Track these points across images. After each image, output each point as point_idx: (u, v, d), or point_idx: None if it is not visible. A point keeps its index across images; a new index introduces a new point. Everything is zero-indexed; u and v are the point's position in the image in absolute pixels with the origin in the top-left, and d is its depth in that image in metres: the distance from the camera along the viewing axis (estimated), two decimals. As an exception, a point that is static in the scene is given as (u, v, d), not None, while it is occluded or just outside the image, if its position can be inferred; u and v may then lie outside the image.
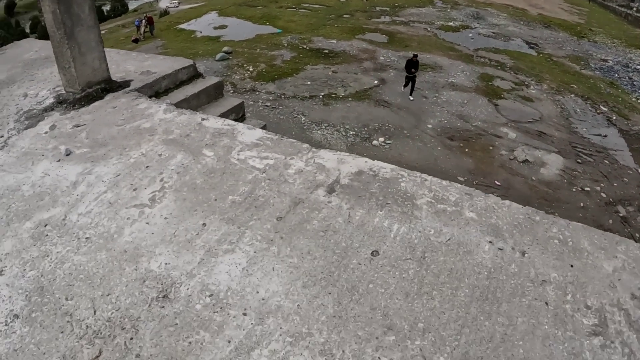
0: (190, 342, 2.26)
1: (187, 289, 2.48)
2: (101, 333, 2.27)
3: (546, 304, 2.39)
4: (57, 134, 4.03)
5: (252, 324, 2.35)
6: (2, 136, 4.05)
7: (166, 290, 2.47)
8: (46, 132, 4.04)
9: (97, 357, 2.18)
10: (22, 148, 3.74)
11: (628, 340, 2.26)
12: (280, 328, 2.34)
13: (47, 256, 2.62)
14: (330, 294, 2.50)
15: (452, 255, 2.71)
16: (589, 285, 2.49)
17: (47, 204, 3.05)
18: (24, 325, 2.28)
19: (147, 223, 2.92)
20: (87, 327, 2.29)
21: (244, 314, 2.39)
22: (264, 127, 4.37)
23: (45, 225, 2.86)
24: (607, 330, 2.28)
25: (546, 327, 2.29)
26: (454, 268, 2.61)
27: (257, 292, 2.50)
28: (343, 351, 2.25)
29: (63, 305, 2.37)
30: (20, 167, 3.47)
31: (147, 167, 3.52)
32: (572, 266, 2.59)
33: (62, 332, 2.26)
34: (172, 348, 2.23)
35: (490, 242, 2.77)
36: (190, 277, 2.55)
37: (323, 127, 14.61)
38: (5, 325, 2.28)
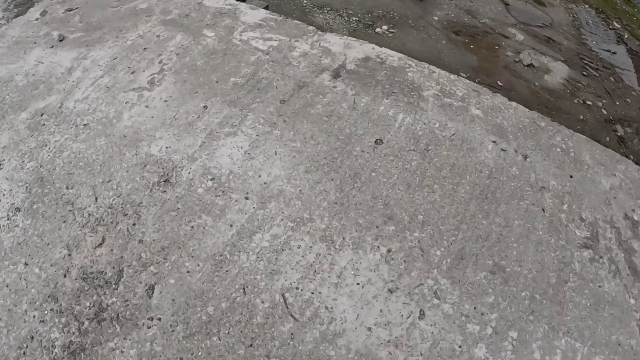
0: (192, 227, 2.22)
1: (189, 172, 2.40)
2: (103, 220, 2.25)
3: (543, 210, 2.39)
4: (48, 19, 3.77)
5: (253, 208, 2.28)
6: (-9, 26, 3.82)
7: (167, 174, 2.40)
8: (37, 19, 3.78)
9: (101, 244, 2.19)
10: (13, 37, 3.53)
11: (616, 258, 2.27)
12: (282, 213, 2.27)
13: (45, 146, 2.56)
14: (332, 180, 2.40)
15: (456, 150, 2.61)
16: (585, 199, 2.48)
17: (42, 93, 2.92)
18: (26, 218, 2.27)
19: (147, 107, 2.78)
20: (89, 215, 2.27)
21: (246, 198, 2.32)
22: (266, 8, 3.98)
23: (42, 115, 2.75)
24: (598, 245, 2.30)
25: (540, 232, 2.30)
26: (456, 164, 2.54)
27: (259, 176, 2.40)
28: (343, 238, 2.21)
29: (64, 195, 2.34)
30: (12, 57, 3.29)
31: (145, 49, 3.29)
32: (571, 177, 2.55)
33: (64, 222, 2.25)
34: (175, 232, 2.21)
35: (494, 141, 2.68)
36: (192, 160, 2.45)
37: (325, 10, 13.50)
38: (8, 219, 2.28)
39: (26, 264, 2.15)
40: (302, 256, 2.17)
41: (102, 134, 2.61)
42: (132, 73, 3.06)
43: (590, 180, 2.60)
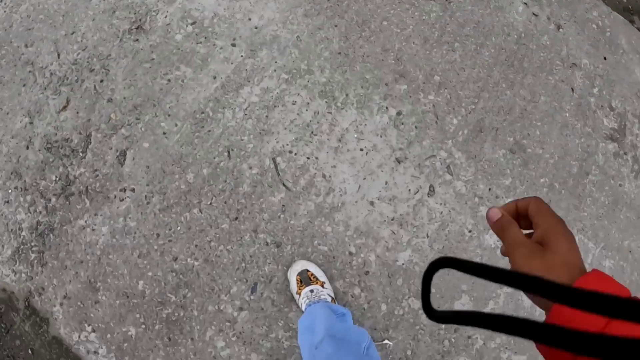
0: (169, 80, 1.80)
1: (165, 17, 1.93)
2: (67, 79, 1.87)
3: (572, 89, 2.01)
4: None
5: (241, 56, 1.82)
6: None
7: (140, 20, 1.94)
8: None
9: (65, 107, 1.82)
10: None
11: (640, 157, 1.96)
12: (275, 62, 1.81)
13: (1, 1, 2.14)
14: (336, 26, 1.89)
15: (482, 6, 2.09)
16: (617, 86, 2.08)
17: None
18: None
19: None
20: (51, 74, 1.89)
21: (233, 45, 1.85)
22: None
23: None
24: (624, 140, 1.99)
25: (567, 114, 1.95)
26: (481, 22, 2.05)
27: (249, 19, 1.90)
28: (347, 95, 1.76)
29: (23, 55, 1.95)
30: None
31: None
32: (605, 59, 2.13)
33: (24, 86, 1.88)
34: (149, 88, 1.80)
35: (525, 3, 2.16)
36: (169, 2, 1.97)
37: None
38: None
39: (-20, 137, 1.84)
40: (298, 114, 1.74)
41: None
42: None
43: (624, 67, 2.15)
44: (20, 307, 1.68)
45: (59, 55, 1.92)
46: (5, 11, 2.09)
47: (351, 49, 1.90)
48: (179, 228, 1.65)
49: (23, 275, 1.68)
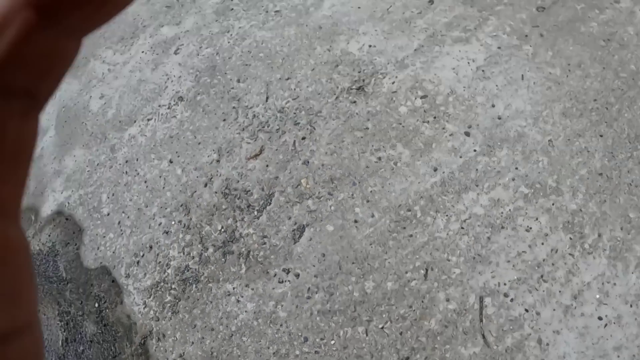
0: (379, 158, 1.49)
1: (393, 82, 1.65)
2: (268, 126, 1.68)
3: None
4: None
5: (474, 150, 1.44)
6: None
7: (363, 80, 1.69)
8: None
9: (257, 155, 1.62)
10: None
11: None
12: (516, 169, 1.41)
13: (228, 32, 2.09)
14: (601, 136, 1.43)
15: None
16: None
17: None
18: (186, 109, 1.84)
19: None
20: (253, 116, 1.72)
21: (466, 134, 1.47)
22: None
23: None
24: None
25: None
26: None
27: (493, 106, 1.52)
28: (599, 235, 1.44)
29: (232, 89, 1.84)
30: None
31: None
32: None
33: (224, 120, 1.75)
34: (353, 161, 1.50)
35: None
36: (401, 67, 1.69)
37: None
38: (168, 108, 1.88)
39: (171, 162, 1.73)
40: (529, 246, 1.29)
41: (294, 22, 2.02)
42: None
43: None
44: (135, 342, 1.47)
45: (267, 98, 1.76)
46: (229, 42, 2.04)
47: (616, 172, 1.40)
48: (333, 342, 1.27)
49: (151, 312, 1.48)
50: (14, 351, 0.16)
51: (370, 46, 1.80)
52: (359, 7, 1.99)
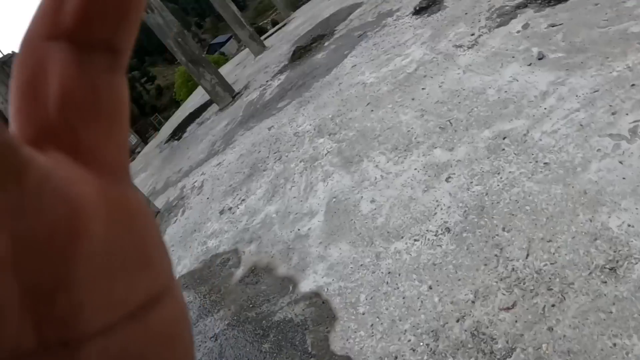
0: (614, 344, 1.61)
1: (647, 270, 1.75)
2: (523, 284, 1.91)
3: None
4: (529, 33, 3.57)
5: None
6: (473, 34, 3.95)
7: (617, 262, 1.82)
8: (518, 31, 3.64)
9: (509, 309, 1.86)
10: (492, 48, 3.51)
11: None
12: None
13: (498, 174, 2.37)
14: None
15: None
16: None
17: (510, 114, 2.74)
18: (451, 242, 2.16)
19: (621, 162, 2.20)
20: (512, 269, 1.97)
21: None
22: None
23: (504, 138, 2.57)
24: None
25: None
26: None
27: None
28: None
29: (497, 235, 2.11)
30: (488, 68, 3.27)
31: (632, 85, 2.64)
32: None
33: (485, 265, 2.02)
34: (591, 341, 1.65)
35: None
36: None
37: None
38: (435, 235, 2.22)
39: (430, 288, 2.07)
40: None
41: (561, 180, 2.21)
42: (613, 114, 2.49)
43: None
44: None
45: (527, 255, 1.99)
46: (498, 185, 2.30)
47: None
48: None
49: None
50: (157, 321, 0.16)
51: (628, 226, 1.91)
52: (623, 178, 2.10)
